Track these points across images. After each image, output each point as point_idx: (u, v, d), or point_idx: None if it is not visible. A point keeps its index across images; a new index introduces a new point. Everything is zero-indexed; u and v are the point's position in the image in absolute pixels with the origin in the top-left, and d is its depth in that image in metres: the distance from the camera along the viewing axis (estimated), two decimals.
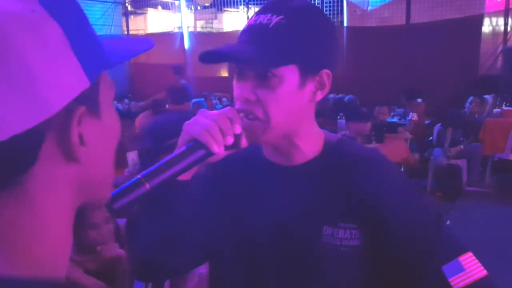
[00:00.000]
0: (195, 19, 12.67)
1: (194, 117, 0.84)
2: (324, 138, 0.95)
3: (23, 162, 0.42)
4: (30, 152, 0.42)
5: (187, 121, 0.84)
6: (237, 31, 11.19)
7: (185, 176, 0.84)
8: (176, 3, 11.71)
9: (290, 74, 0.83)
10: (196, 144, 0.80)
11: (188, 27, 11.50)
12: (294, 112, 0.87)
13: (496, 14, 8.12)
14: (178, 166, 0.78)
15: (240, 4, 11.45)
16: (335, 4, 10.23)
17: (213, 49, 0.84)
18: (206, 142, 0.79)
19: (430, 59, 7.42)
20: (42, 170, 0.43)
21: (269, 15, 0.84)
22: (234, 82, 0.88)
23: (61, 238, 0.47)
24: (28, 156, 0.42)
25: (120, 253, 1.98)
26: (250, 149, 0.91)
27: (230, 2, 11.41)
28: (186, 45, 10.70)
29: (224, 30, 13.49)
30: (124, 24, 11.41)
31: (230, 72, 10.05)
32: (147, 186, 0.74)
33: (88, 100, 0.45)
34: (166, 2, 13.82)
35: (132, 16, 13.19)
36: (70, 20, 0.44)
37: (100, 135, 0.48)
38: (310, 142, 0.92)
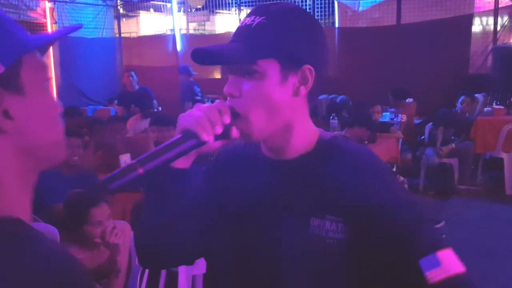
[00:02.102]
0: (188, 21, 12.66)
1: (189, 110, 0.91)
2: (319, 136, 0.99)
3: None
4: None
5: (182, 114, 0.90)
6: (229, 32, 11.19)
7: (183, 165, 0.93)
8: (168, 5, 11.69)
9: (271, 69, 0.88)
10: (187, 133, 0.87)
11: (180, 29, 11.49)
12: (277, 107, 0.91)
13: (485, 13, 8.18)
14: (171, 153, 0.85)
15: (232, 6, 11.47)
16: (327, 5, 10.27)
17: (200, 48, 0.88)
18: (196, 131, 0.86)
19: (421, 59, 7.47)
20: None
21: (253, 17, 0.91)
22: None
23: (15, 193, 0.59)
24: None
25: (118, 245, 1.99)
26: (252, 145, 1.02)
27: (222, 4, 11.42)
28: (179, 47, 10.70)
29: (217, 32, 13.49)
30: (116, 27, 11.39)
31: (223, 73, 10.07)
32: (141, 170, 0.81)
33: (7, 81, 0.58)
34: (158, 4, 13.80)
35: (124, 19, 13.15)
36: None
37: (27, 110, 0.59)
38: (303, 138, 0.97)
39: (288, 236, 0.94)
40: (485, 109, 6.36)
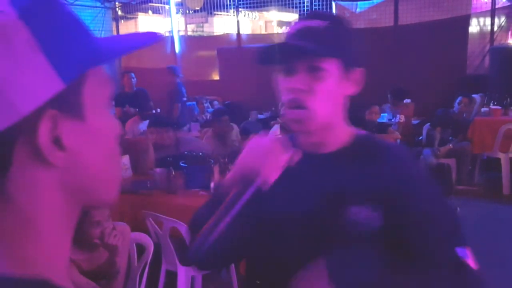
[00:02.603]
0: (186, 23, 12.69)
1: (247, 150, 0.96)
2: (354, 132, 1.09)
3: None
4: (3, 155, 0.42)
5: (241, 156, 0.96)
6: (228, 34, 11.22)
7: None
8: (167, 7, 11.71)
9: (334, 68, 0.99)
10: (247, 180, 0.90)
11: (179, 31, 11.51)
12: (335, 103, 1.02)
13: (482, 14, 8.22)
14: (241, 202, 0.90)
15: (231, 8, 11.49)
16: (324, 7, 10.30)
17: (272, 44, 0.99)
18: (264, 178, 0.90)
19: (419, 60, 7.49)
20: (19, 174, 0.43)
21: (317, 20, 1.01)
22: (281, 77, 1.02)
23: (55, 241, 0.47)
24: (2, 159, 0.42)
25: (117, 246, 2.00)
26: (286, 137, 1.08)
27: (221, 6, 11.44)
28: (177, 49, 10.71)
29: (215, 34, 13.50)
30: (114, 29, 11.40)
31: (221, 75, 10.08)
32: (221, 225, 0.89)
33: (65, 102, 0.44)
34: (156, 6, 13.80)
35: (122, 21, 13.16)
36: (42, 21, 0.43)
37: (85, 138, 0.47)
38: (342, 133, 1.07)
39: (327, 222, 1.01)
40: (483, 109, 6.38)
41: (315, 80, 0.98)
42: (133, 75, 6.55)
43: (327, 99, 1.00)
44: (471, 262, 0.96)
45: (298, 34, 1.01)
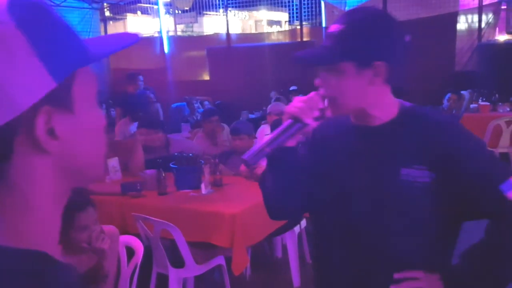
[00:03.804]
0: (175, 23, 12.63)
1: (293, 101, 1.23)
2: (399, 105, 1.24)
3: (0, 153, 0.49)
4: (5, 145, 0.49)
5: (287, 106, 1.23)
6: (217, 34, 11.19)
7: (291, 143, 1.25)
8: (155, 7, 11.66)
9: (348, 68, 1.15)
10: (294, 119, 1.21)
11: (168, 31, 11.46)
12: (356, 93, 1.18)
13: (470, 11, 8.27)
14: (285, 135, 1.22)
15: (220, 7, 11.46)
16: (313, 5, 10.31)
17: (300, 53, 1.22)
18: (301, 117, 1.19)
19: (408, 57, 7.51)
20: (19, 161, 0.50)
21: (338, 25, 1.18)
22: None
23: (48, 218, 0.54)
24: (3, 149, 0.49)
25: (105, 250, 1.97)
26: (341, 118, 1.30)
27: (210, 6, 11.41)
28: (166, 49, 10.67)
29: (205, 34, 13.47)
30: (102, 30, 11.32)
31: (211, 75, 10.06)
32: (268, 149, 1.20)
33: (57, 98, 0.51)
34: (145, 7, 13.75)
35: (111, 22, 13.10)
36: (36, 29, 0.50)
37: (75, 129, 0.54)
38: (384, 110, 1.22)
39: (383, 182, 1.20)
40: (471, 105, 6.43)
41: (333, 77, 1.18)
42: (140, 78, 6.50)
43: (346, 91, 1.17)
44: None
45: (325, 39, 1.21)
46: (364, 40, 1.15)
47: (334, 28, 1.19)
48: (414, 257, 1.21)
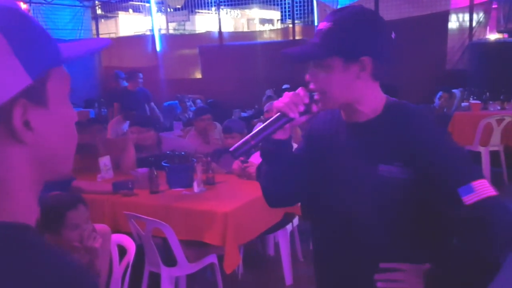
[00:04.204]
0: (167, 21, 12.58)
1: (282, 97, 1.28)
2: (385, 101, 1.29)
3: None
4: None
5: (275, 102, 1.28)
6: (209, 32, 11.17)
7: (283, 136, 1.30)
8: (147, 5, 11.60)
9: (335, 62, 1.21)
10: (280, 114, 1.26)
11: (160, 29, 11.41)
12: (343, 87, 1.23)
13: (461, 10, 8.31)
14: (271, 128, 1.27)
15: (212, 6, 11.43)
16: (306, 3, 10.32)
17: (286, 51, 1.25)
18: (286, 111, 1.25)
19: (399, 56, 7.54)
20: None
21: (326, 22, 1.23)
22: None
23: (26, 202, 0.60)
24: None
25: (97, 249, 1.96)
26: (336, 113, 1.37)
27: (202, 4, 11.38)
28: (158, 47, 10.62)
29: (197, 32, 13.44)
30: (94, 28, 11.25)
31: (203, 74, 10.03)
32: (253, 142, 1.25)
33: (32, 93, 0.57)
34: (137, 5, 13.68)
35: (102, 20, 13.03)
36: (13, 30, 0.56)
37: (48, 122, 0.59)
38: (371, 105, 1.27)
39: (362, 177, 1.27)
40: (463, 104, 6.46)
41: (322, 73, 1.23)
42: (140, 75, 6.48)
43: (333, 86, 1.22)
44: (483, 190, 1.12)
45: (315, 36, 1.25)
46: (350, 36, 1.20)
47: (322, 25, 1.24)
48: (394, 252, 1.25)
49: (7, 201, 0.58)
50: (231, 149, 1.26)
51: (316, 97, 1.26)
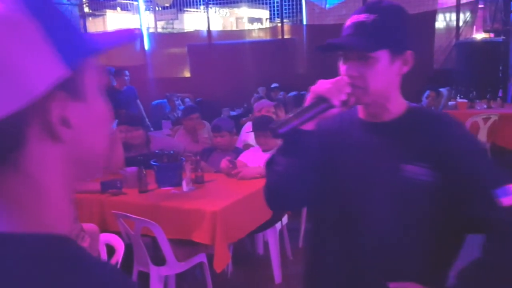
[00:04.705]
0: (156, 20, 12.51)
1: (318, 82, 1.18)
2: (407, 104, 1.26)
3: (13, 141, 0.49)
4: (18, 132, 0.49)
5: (315, 85, 1.18)
6: (198, 31, 11.13)
7: (309, 127, 1.18)
8: (135, 4, 11.53)
9: (383, 56, 1.15)
10: (320, 99, 1.15)
11: (148, 28, 11.35)
12: (385, 82, 1.18)
13: (448, 9, 8.39)
14: (311, 112, 1.16)
15: (201, 4, 11.40)
16: (294, 2, 10.34)
17: (330, 41, 1.18)
18: (329, 96, 1.14)
19: None
20: (32, 149, 0.50)
21: (367, 14, 1.16)
22: (340, 64, 1.20)
23: (62, 205, 0.54)
24: (17, 136, 0.49)
25: (85, 247, 1.95)
26: (347, 113, 1.30)
27: (191, 2, 11.35)
28: (146, 46, 10.57)
29: (186, 30, 13.38)
30: (81, 26, 11.15)
31: (192, 73, 10.00)
32: (295, 122, 1.14)
33: (71, 86, 0.51)
34: (125, 3, 13.59)
35: (90, 18, 12.91)
36: (48, 16, 0.50)
37: (87, 117, 0.54)
38: (396, 105, 1.23)
39: (384, 178, 1.20)
40: (450, 103, 6.53)
41: (366, 66, 1.15)
42: (126, 72, 6.42)
43: (377, 80, 1.16)
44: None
45: (352, 28, 1.17)
46: (398, 28, 1.17)
47: (362, 17, 1.16)
48: (410, 258, 1.19)
49: (43, 208, 0.52)
50: (271, 125, 1.15)
51: (353, 90, 1.18)
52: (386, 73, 1.17)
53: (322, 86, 1.16)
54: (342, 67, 1.19)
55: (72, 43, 0.52)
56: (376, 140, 1.23)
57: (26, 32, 0.48)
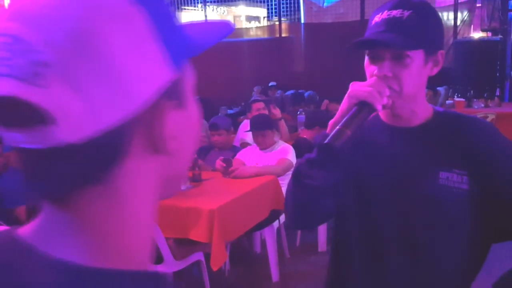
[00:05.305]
0: None
1: (353, 85, 1.08)
2: (432, 107, 1.17)
3: (113, 156, 0.40)
4: (119, 146, 0.40)
5: (351, 89, 1.07)
6: None
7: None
8: None
9: (418, 55, 1.06)
10: (362, 104, 1.05)
11: None
12: (418, 84, 1.09)
13: (446, 8, 8.41)
14: (359, 119, 1.04)
15: (198, 3, 11.39)
16: (292, 1, 10.33)
17: (363, 38, 1.08)
18: (372, 101, 1.03)
19: None
20: (131, 165, 0.42)
21: (400, 10, 1.06)
22: (367, 63, 1.11)
23: (147, 231, 0.46)
24: (117, 151, 0.40)
25: None
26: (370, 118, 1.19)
27: (188, 1, 11.33)
28: None
29: None
30: None
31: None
32: (348, 132, 1.02)
33: (175, 92, 0.43)
34: None
35: None
36: (157, 8, 0.42)
37: (186, 126, 0.46)
38: (423, 109, 1.14)
39: (420, 187, 1.11)
40: (447, 101, 6.54)
41: (400, 66, 1.06)
42: None
43: (411, 81, 1.07)
44: None
45: (384, 24, 1.07)
46: (433, 27, 1.09)
47: (397, 13, 1.06)
48: (442, 269, 1.13)
49: (127, 235, 0.44)
50: (326, 141, 1.03)
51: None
52: (419, 74, 1.08)
53: (361, 90, 1.05)
54: (371, 67, 1.10)
55: (179, 40, 0.43)
56: (407, 147, 1.14)
57: (135, 28, 0.39)
